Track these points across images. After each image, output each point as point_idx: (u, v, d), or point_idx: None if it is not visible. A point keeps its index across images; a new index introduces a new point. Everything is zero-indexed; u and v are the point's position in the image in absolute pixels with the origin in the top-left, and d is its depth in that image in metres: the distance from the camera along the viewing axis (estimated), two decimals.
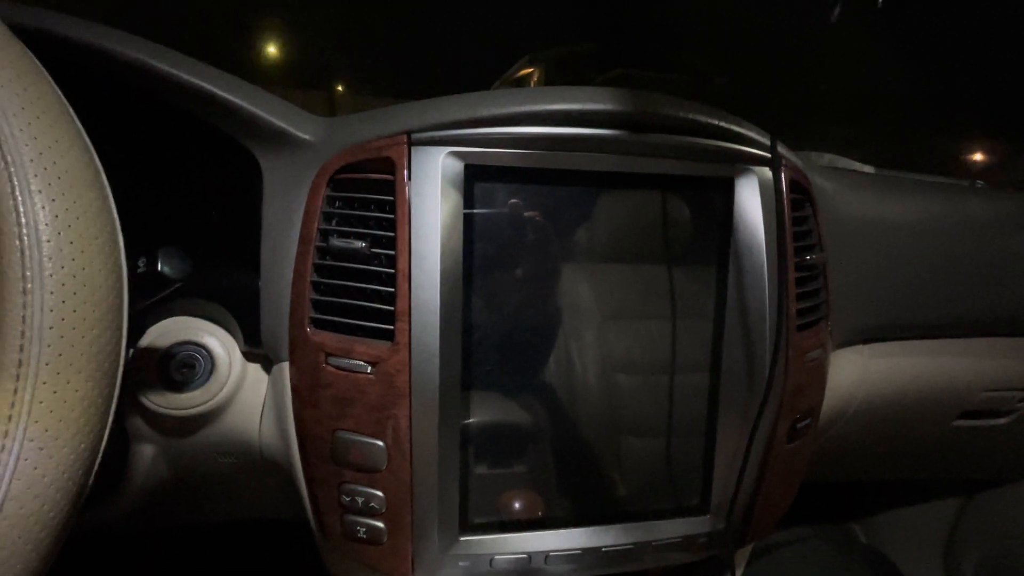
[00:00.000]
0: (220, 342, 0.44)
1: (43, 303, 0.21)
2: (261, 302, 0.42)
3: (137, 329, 0.42)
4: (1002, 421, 0.67)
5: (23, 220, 0.22)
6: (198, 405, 0.43)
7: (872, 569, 0.92)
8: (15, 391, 0.21)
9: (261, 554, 0.81)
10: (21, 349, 0.21)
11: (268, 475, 0.47)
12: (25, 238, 0.21)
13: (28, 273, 0.21)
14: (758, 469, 0.48)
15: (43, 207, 0.22)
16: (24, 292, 0.21)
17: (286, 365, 0.42)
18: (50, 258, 0.22)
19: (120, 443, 0.44)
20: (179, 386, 0.42)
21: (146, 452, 0.45)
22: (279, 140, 0.41)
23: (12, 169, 0.22)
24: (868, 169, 0.78)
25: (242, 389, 0.44)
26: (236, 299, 0.43)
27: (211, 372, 0.43)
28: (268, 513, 0.57)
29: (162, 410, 0.42)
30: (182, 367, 0.43)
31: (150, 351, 0.42)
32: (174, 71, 0.38)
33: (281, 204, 0.42)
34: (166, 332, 0.43)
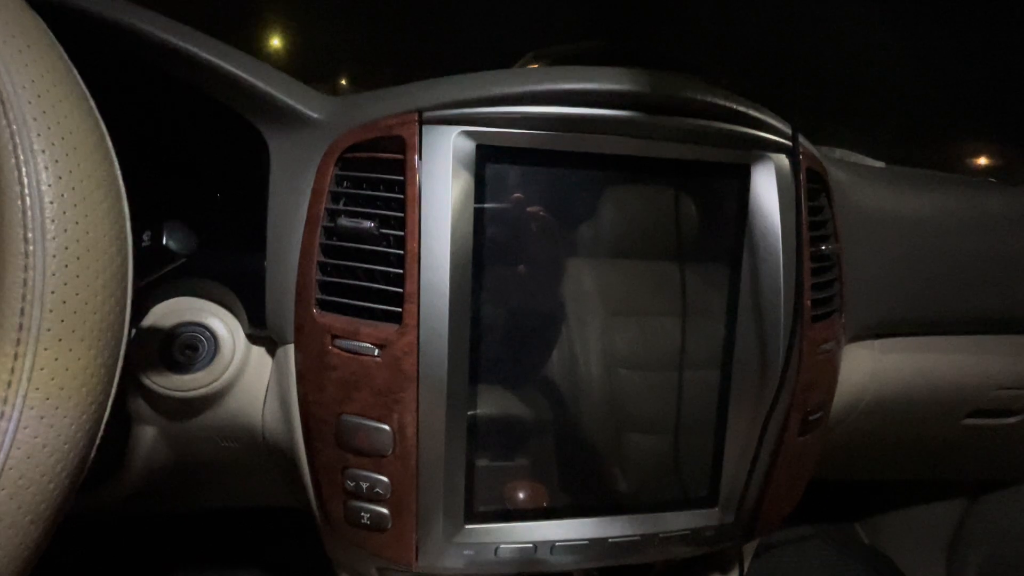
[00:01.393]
0: (224, 323, 0.43)
1: (45, 266, 0.21)
2: (266, 283, 0.42)
3: (140, 308, 0.41)
4: (1012, 420, 0.67)
5: (25, 180, 0.21)
6: (201, 387, 0.42)
7: (874, 570, 0.91)
8: (15, 356, 0.20)
9: (263, 541, 0.81)
10: (22, 313, 0.20)
11: (271, 460, 0.46)
12: (27, 199, 0.21)
13: (30, 235, 0.21)
14: (768, 462, 0.47)
15: (46, 168, 0.21)
16: (26, 255, 0.20)
17: (291, 347, 0.42)
18: (53, 220, 0.21)
19: (121, 424, 0.43)
20: (182, 367, 0.42)
21: (147, 434, 0.44)
22: (287, 118, 0.40)
23: (14, 127, 0.21)
24: (880, 165, 0.77)
25: (245, 372, 0.44)
26: (241, 280, 0.42)
27: (214, 354, 0.42)
28: (270, 499, 0.57)
29: (164, 391, 0.41)
30: (185, 348, 0.42)
31: (153, 331, 0.41)
32: (183, 44, 0.37)
33: (288, 183, 0.41)
34: (170, 312, 0.42)
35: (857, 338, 0.57)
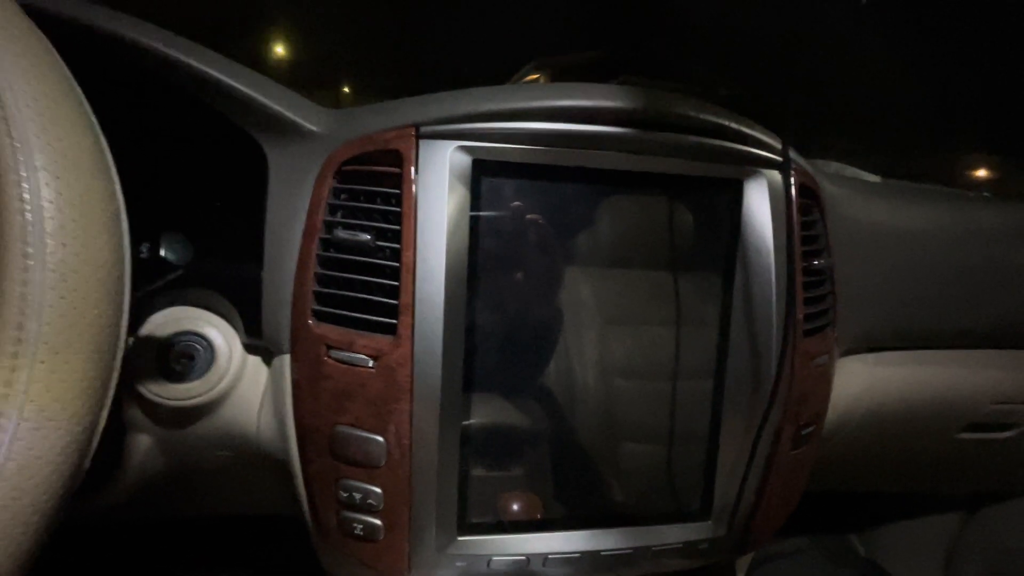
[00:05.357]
0: (221, 333, 0.43)
1: (44, 281, 0.21)
2: (263, 293, 0.42)
3: (137, 317, 0.42)
4: (1008, 435, 0.67)
5: (27, 196, 0.21)
6: (196, 396, 0.42)
7: None
8: (12, 369, 0.20)
9: (256, 550, 0.81)
10: (20, 327, 0.20)
11: (265, 469, 0.46)
12: (28, 214, 0.21)
13: (30, 250, 0.21)
14: (761, 475, 0.47)
15: (47, 184, 0.22)
16: (25, 269, 0.21)
17: (287, 357, 0.42)
18: (52, 236, 0.21)
19: (116, 432, 0.44)
20: (178, 376, 0.42)
21: (142, 442, 0.44)
22: (286, 130, 0.41)
23: (17, 145, 0.21)
24: (874, 179, 0.78)
25: (241, 381, 0.44)
26: (238, 290, 0.42)
27: (211, 363, 0.43)
28: (264, 508, 0.57)
29: (160, 400, 0.41)
30: (181, 357, 0.42)
31: (150, 340, 0.42)
32: (183, 57, 0.38)
33: (286, 195, 0.41)
34: (166, 321, 0.42)
35: (851, 351, 0.57)
